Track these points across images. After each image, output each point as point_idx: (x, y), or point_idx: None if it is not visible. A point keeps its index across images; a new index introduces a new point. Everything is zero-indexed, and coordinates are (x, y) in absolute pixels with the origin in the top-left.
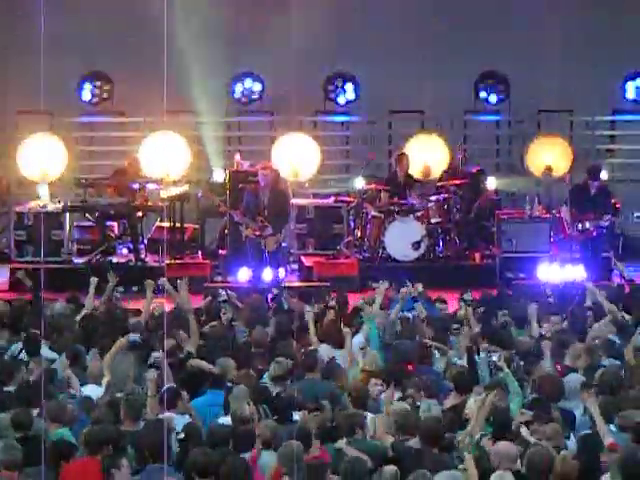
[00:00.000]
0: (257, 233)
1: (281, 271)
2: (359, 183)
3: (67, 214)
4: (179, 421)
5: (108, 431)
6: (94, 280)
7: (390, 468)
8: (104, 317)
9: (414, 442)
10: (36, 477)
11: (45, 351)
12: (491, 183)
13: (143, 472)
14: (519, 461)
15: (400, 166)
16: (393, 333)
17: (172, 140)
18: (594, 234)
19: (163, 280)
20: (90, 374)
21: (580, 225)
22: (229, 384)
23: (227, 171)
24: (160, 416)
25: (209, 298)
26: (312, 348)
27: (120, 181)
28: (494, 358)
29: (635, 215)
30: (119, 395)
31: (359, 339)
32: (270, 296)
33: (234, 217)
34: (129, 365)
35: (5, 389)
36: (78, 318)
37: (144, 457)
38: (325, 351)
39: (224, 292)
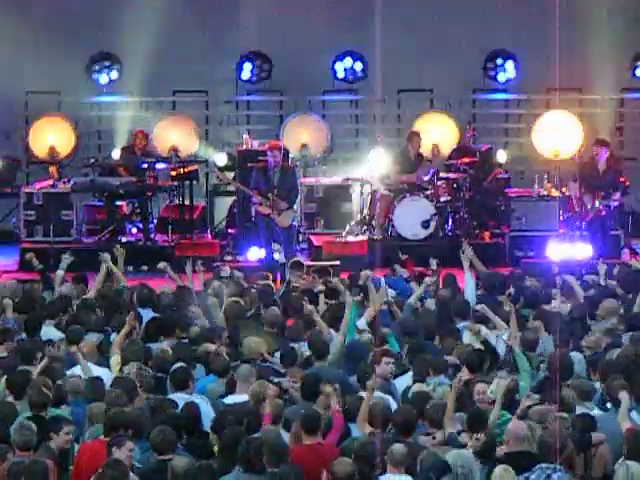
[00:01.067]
0: (267, 212)
1: (294, 249)
2: (374, 155)
3: (76, 194)
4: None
5: (123, 414)
6: (105, 260)
7: (398, 446)
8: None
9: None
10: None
11: (52, 331)
12: (501, 156)
13: None
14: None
15: (412, 144)
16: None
17: (184, 119)
18: (603, 213)
19: (163, 264)
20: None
21: (590, 204)
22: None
23: (236, 150)
24: None
25: (210, 275)
26: (322, 336)
27: (129, 160)
28: (504, 337)
29: None
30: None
31: (361, 322)
32: (279, 275)
33: (252, 197)
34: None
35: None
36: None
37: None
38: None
39: (227, 268)
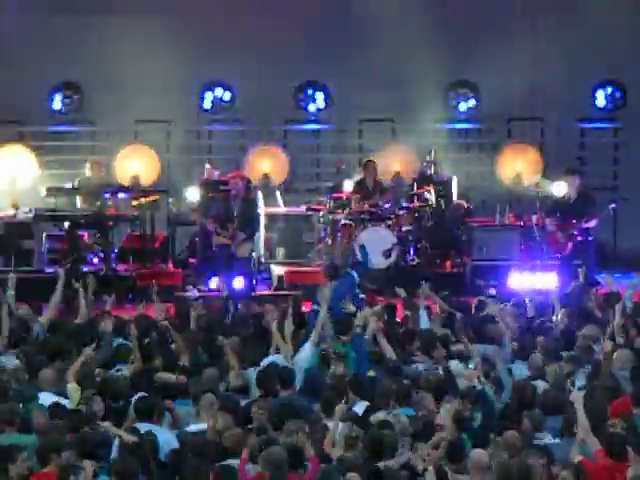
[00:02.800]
0: (227, 241)
1: (252, 280)
2: (347, 186)
3: (37, 223)
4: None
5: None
6: (81, 290)
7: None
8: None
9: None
10: None
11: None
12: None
13: None
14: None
15: (367, 173)
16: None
17: (142, 149)
18: (579, 238)
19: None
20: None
21: (565, 232)
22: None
23: (198, 180)
24: None
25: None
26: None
27: (89, 190)
28: (471, 366)
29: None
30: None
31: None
32: (235, 305)
33: (206, 225)
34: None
35: None
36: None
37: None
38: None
39: (195, 292)
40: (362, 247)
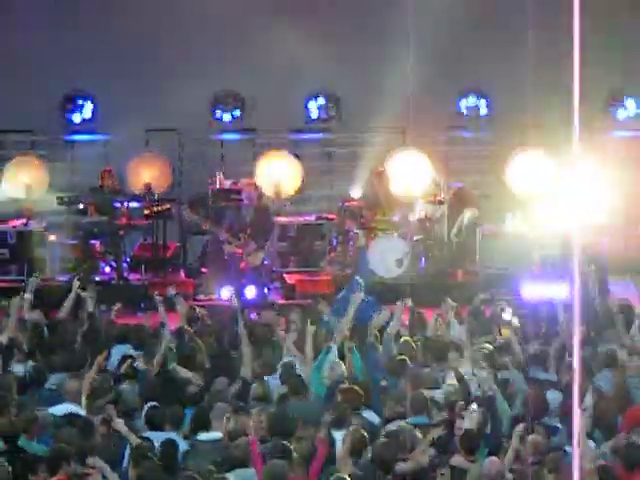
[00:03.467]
0: (240, 251)
1: (264, 289)
2: (356, 192)
3: (50, 232)
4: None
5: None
6: (74, 293)
7: None
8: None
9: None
10: None
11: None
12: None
13: None
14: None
15: (379, 183)
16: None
17: (154, 158)
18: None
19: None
20: (68, 392)
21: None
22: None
23: (210, 189)
24: None
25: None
26: (295, 371)
27: (99, 200)
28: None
29: None
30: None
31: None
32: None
33: (218, 235)
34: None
35: None
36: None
37: None
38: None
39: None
40: (361, 250)
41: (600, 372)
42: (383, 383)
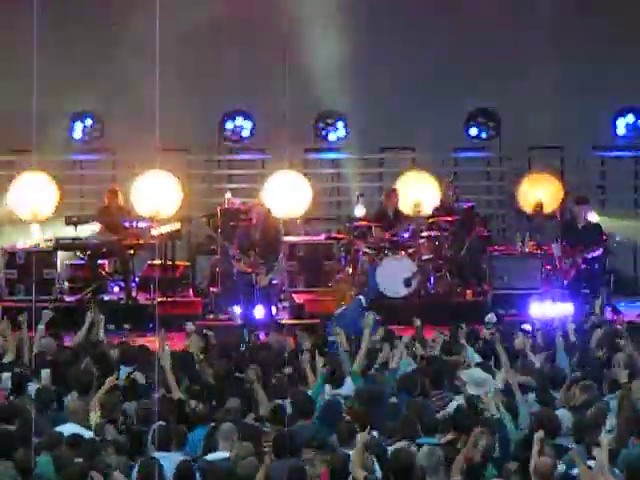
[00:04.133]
0: (249, 270)
1: (273, 308)
2: (358, 212)
3: (58, 252)
4: (171, 459)
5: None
6: (89, 317)
7: None
8: (92, 355)
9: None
10: None
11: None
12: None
13: None
14: None
15: (389, 202)
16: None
17: (163, 178)
18: (582, 267)
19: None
20: (72, 412)
21: (570, 259)
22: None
23: (218, 209)
24: None
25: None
26: (306, 394)
27: (110, 219)
28: (489, 394)
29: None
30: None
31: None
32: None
33: (229, 251)
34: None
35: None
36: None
37: None
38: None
39: (190, 325)
40: (371, 268)
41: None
42: (393, 400)
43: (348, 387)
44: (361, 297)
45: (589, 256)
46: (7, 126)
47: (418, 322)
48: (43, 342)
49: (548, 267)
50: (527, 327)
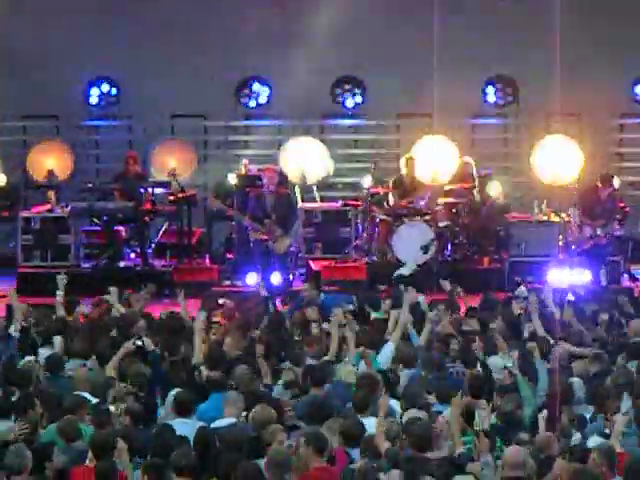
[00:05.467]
0: (265, 237)
1: (289, 275)
2: (366, 182)
3: (74, 218)
4: (188, 426)
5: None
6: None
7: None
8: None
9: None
10: None
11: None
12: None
13: None
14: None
15: (407, 169)
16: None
17: (178, 144)
18: (604, 241)
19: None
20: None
21: (590, 231)
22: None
23: (235, 175)
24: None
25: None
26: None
27: (124, 185)
28: (508, 364)
29: None
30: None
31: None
32: (279, 301)
33: (242, 221)
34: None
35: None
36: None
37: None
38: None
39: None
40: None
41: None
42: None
43: (386, 354)
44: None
45: (612, 233)
46: (24, 92)
47: (448, 286)
48: (61, 312)
49: (566, 235)
50: (571, 297)
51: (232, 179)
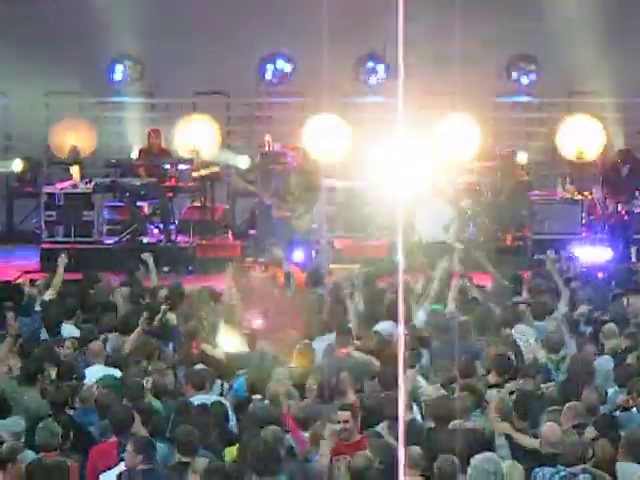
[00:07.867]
0: (287, 214)
1: (312, 252)
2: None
3: (97, 195)
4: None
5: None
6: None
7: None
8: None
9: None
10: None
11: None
12: (522, 158)
13: None
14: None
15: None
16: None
17: (202, 121)
18: (625, 218)
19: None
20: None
21: (612, 207)
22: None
23: (258, 152)
24: None
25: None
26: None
27: (148, 161)
28: (531, 340)
29: None
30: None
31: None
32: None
33: (264, 199)
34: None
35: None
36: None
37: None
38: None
39: None
40: None
41: None
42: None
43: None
44: None
45: (634, 209)
46: (48, 68)
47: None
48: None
49: (589, 212)
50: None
51: (255, 156)
